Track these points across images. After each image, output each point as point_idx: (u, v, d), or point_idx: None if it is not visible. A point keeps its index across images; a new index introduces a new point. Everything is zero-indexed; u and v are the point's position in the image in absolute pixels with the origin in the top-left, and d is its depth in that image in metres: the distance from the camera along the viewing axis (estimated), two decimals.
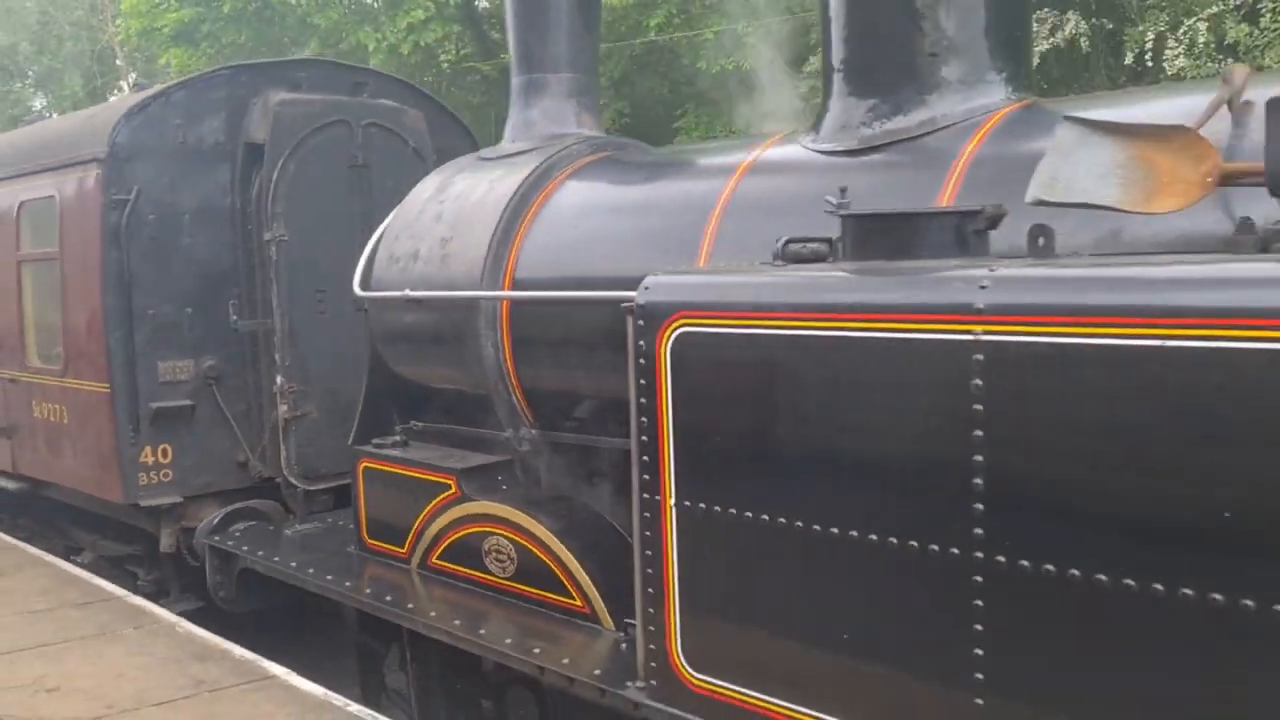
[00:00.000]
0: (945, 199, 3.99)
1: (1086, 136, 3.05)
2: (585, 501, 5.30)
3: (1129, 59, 12.88)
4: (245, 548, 6.67)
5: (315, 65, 9.12)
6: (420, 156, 7.74)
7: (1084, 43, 12.99)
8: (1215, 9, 12.15)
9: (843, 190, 3.69)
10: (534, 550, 5.12)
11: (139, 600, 6.97)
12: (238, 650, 6.04)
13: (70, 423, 7.83)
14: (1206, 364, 2.57)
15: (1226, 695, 2.62)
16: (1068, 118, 3.15)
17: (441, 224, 5.87)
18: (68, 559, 8.52)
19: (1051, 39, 12.84)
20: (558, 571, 5.02)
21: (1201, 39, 11.95)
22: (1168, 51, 12.22)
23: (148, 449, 7.37)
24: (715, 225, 4.67)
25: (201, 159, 7.50)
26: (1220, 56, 11.95)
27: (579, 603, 4.91)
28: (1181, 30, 12.21)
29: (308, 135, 7.34)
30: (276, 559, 6.39)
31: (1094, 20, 13.27)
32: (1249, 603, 2.53)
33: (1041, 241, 3.09)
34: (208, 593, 7.06)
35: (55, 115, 11.32)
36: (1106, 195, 2.96)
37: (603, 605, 4.81)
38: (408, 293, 5.76)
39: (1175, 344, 2.60)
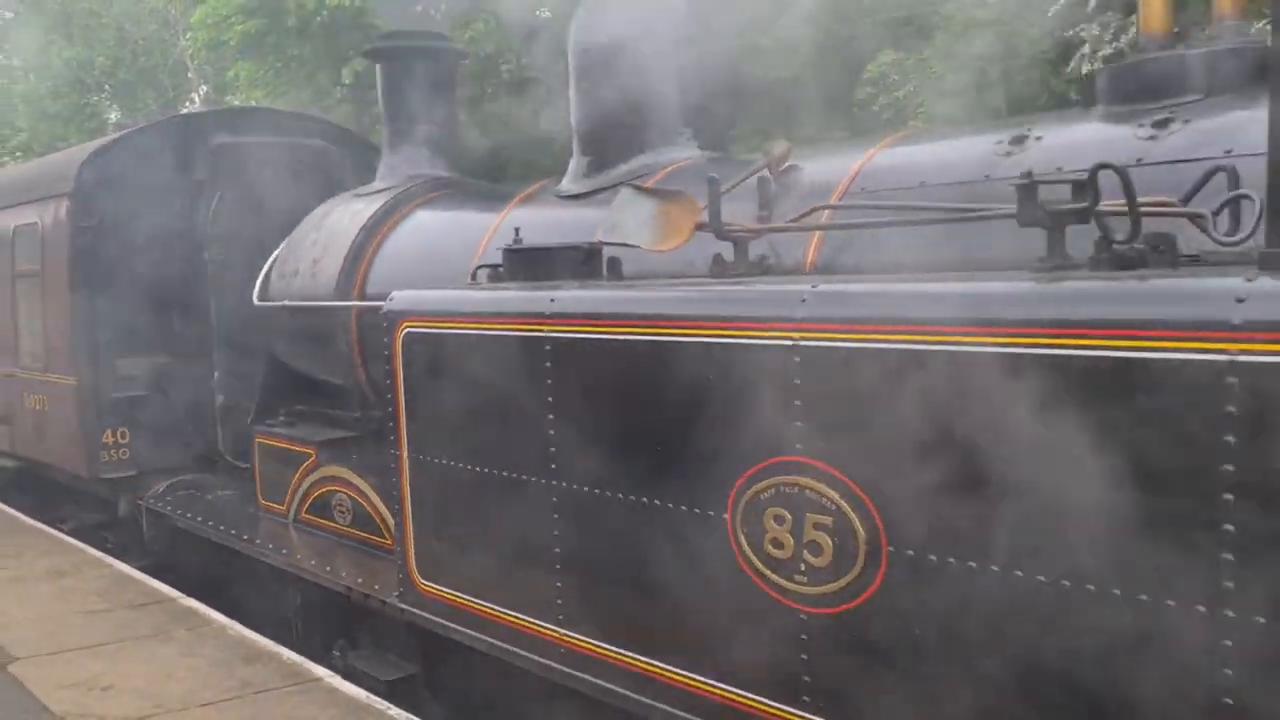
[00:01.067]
0: None
1: (637, 195, 4.43)
2: None
3: None
4: (175, 509, 8.21)
5: (254, 112, 10.66)
6: (344, 188, 9.22)
7: None
8: None
9: (517, 230, 5.11)
10: (363, 503, 6.59)
11: (192, 602, 7.13)
12: (286, 653, 6.13)
13: (49, 410, 9.45)
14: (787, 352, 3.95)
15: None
16: (625, 185, 4.55)
17: (316, 247, 7.36)
18: (55, 527, 10.12)
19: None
20: (376, 519, 6.47)
21: None
22: None
23: (108, 432, 8.94)
24: (484, 246, 6.09)
25: (156, 192, 9.01)
26: None
27: (389, 541, 6.36)
28: None
29: (241, 172, 8.85)
30: (194, 517, 7.92)
31: None
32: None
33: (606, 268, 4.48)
34: (175, 555, 8.58)
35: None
36: (639, 237, 4.34)
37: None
38: (286, 303, 7.27)
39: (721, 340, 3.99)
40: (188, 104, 28.14)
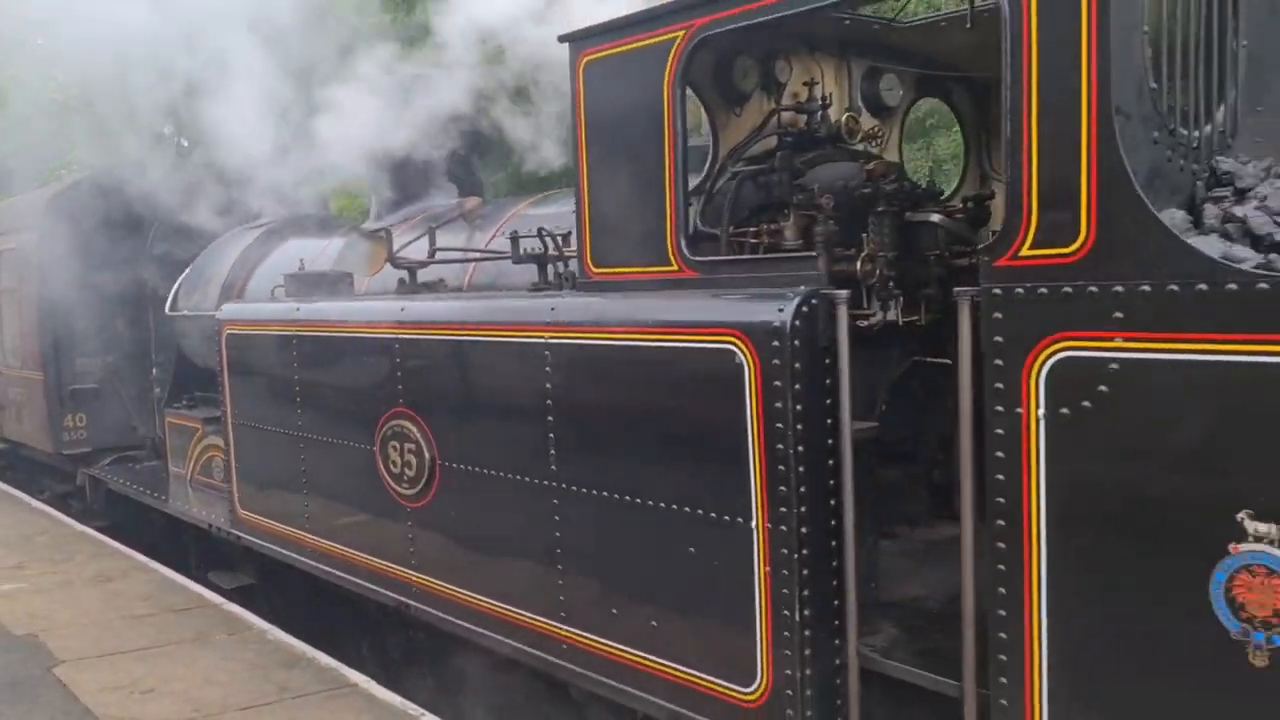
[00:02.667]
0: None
1: (359, 237, 6.51)
2: None
3: None
4: (112, 477, 10.40)
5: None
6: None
7: None
8: None
9: (302, 261, 7.21)
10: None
11: (234, 607, 7.34)
12: (323, 658, 6.23)
13: (25, 400, 11.68)
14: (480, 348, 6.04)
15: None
16: (351, 229, 6.63)
17: (211, 267, 9.49)
18: (37, 497, 12.34)
19: None
20: None
21: None
22: None
23: (69, 416, 11.14)
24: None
25: (106, 225, 11.20)
26: None
27: None
28: None
29: (171, 210, 11.01)
30: (124, 482, 10.10)
31: None
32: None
33: (351, 281, 6.57)
34: (115, 515, 10.74)
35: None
36: (355, 267, 6.42)
37: None
38: (185, 312, 9.41)
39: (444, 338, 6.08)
40: None
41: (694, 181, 4.81)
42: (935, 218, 4.46)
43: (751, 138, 4.97)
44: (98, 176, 11.57)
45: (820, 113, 5.08)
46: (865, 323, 4.56)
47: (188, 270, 9.96)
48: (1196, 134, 3.18)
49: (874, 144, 5.52)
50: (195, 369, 9.79)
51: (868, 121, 5.51)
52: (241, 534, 7.45)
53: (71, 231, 11.12)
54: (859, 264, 4.37)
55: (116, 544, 9.41)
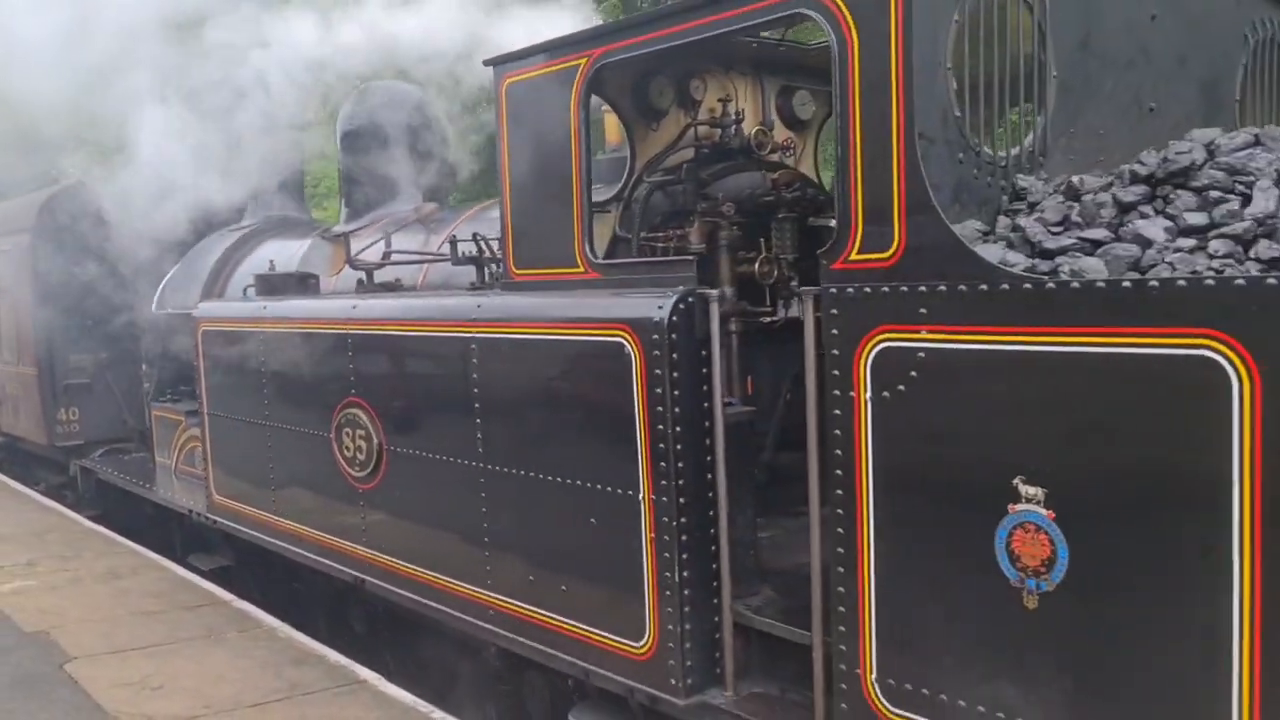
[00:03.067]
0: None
1: (322, 241, 7.01)
2: None
3: None
4: (102, 468, 10.92)
5: None
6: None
7: None
8: None
9: (272, 263, 7.71)
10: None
11: (245, 605, 7.35)
12: (332, 655, 6.28)
13: (21, 395, 12.21)
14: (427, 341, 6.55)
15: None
16: (316, 234, 7.13)
17: (193, 267, 10.01)
18: (33, 488, 12.87)
19: None
20: None
21: None
22: None
23: (62, 410, 11.67)
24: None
25: (104, 225, 11.71)
26: None
27: None
28: None
29: None
30: (112, 472, 10.62)
31: None
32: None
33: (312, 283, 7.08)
34: (106, 504, 11.26)
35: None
36: (319, 269, 6.92)
37: None
38: (169, 310, 9.93)
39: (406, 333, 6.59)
40: None
41: (613, 191, 5.33)
42: (834, 222, 4.95)
43: (668, 150, 5.46)
44: (89, 181, 12.08)
45: (734, 127, 5.56)
46: (769, 319, 5.07)
47: (173, 270, 10.46)
48: (1003, 155, 3.66)
49: (787, 155, 6.02)
50: (180, 364, 10.28)
51: (781, 134, 6.01)
52: (217, 518, 7.96)
53: (64, 233, 11.64)
54: (757, 265, 4.87)
55: (126, 541, 9.41)
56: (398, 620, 6.47)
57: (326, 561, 6.58)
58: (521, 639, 5.03)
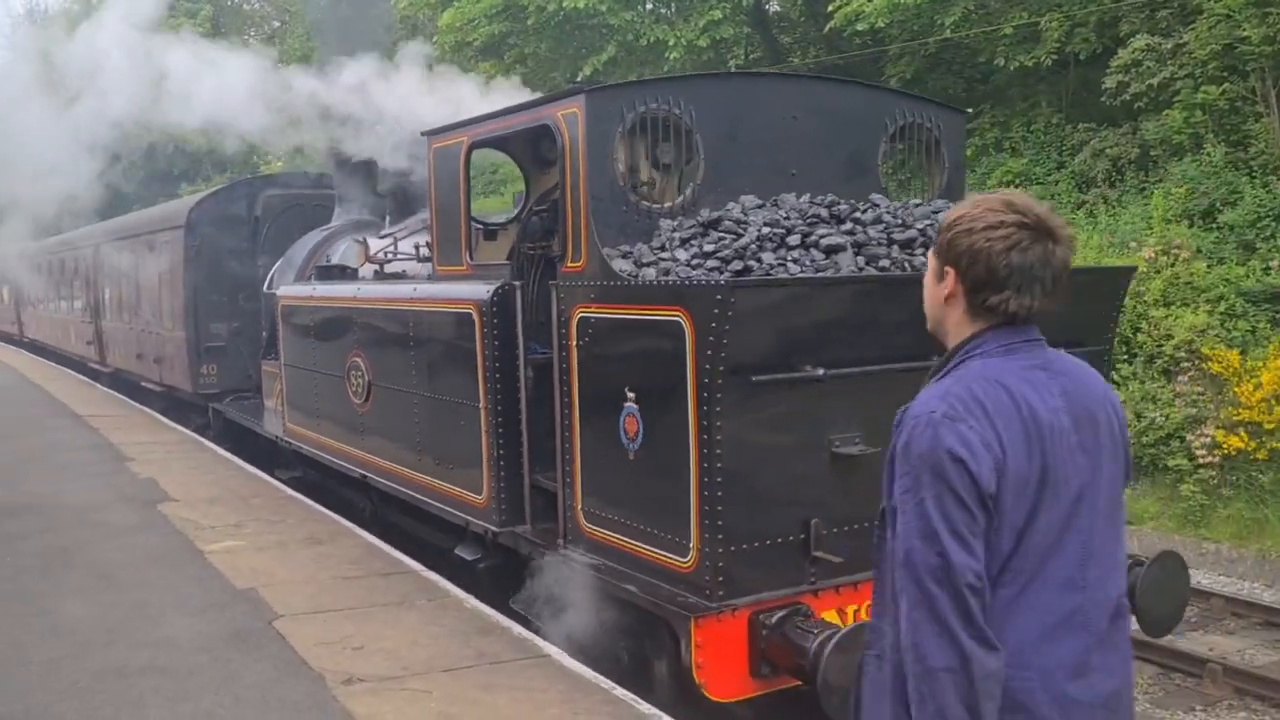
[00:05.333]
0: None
1: (354, 244, 9.99)
2: None
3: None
4: (228, 409, 14.30)
5: (293, 175, 16.70)
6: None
7: None
8: None
9: (328, 256, 10.75)
10: None
11: (433, 575, 7.60)
12: (516, 628, 6.50)
13: (175, 353, 15.76)
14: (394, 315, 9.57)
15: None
16: (350, 237, 10.12)
17: (293, 257, 13.20)
18: (186, 427, 16.40)
19: None
20: None
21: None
22: None
23: (204, 366, 15.12)
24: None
25: (232, 224, 15.09)
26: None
27: None
28: None
29: (279, 212, 14.81)
30: (234, 411, 13.97)
31: None
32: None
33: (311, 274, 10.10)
34: (231, 438, 14.62)
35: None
36: (353, 262, 9.89)
37: None
38: (279, 290, 13.15)
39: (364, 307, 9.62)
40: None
41: (512, 216, 8.09)
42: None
43: (553, 189, 8.18)
44: (231, 186, 15.52)
45: None
46: None
47: (280, 260, 13.73)
48: (657, 206, 6.27)
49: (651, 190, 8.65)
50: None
51: (646, 174, 8.64)
52: (290, 441, 11.08)
53: (208, 227, 15.09)
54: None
55: (324, 509, 9.73)
56: (387, 499, 9.39)
57: (345, 464, 9.55)
58: (425, 499, 7.88)
